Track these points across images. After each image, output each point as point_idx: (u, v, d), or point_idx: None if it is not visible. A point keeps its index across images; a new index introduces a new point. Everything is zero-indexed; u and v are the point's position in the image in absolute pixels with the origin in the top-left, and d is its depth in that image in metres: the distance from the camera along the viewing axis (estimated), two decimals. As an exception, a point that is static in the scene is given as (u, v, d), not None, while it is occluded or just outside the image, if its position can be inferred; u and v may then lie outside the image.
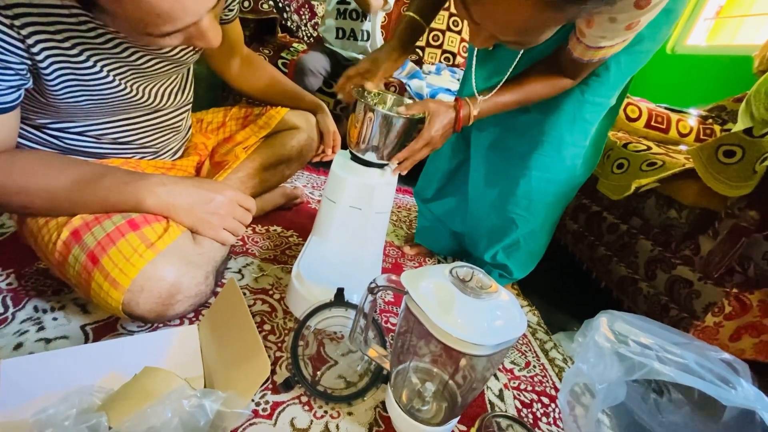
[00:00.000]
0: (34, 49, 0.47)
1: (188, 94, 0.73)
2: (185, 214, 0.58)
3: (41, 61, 0.48)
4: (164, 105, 0.67)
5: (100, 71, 0.54)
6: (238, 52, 0.86)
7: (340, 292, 0.66)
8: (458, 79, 2.01)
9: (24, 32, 0.46)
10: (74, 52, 0.51)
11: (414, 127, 0.73)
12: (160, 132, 0.70)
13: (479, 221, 0.95)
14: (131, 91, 0.59)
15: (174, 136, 0.74)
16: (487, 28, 0.50)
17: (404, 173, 0.76)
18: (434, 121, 0.71)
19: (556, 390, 0.73)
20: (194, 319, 0.64)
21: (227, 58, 0.85)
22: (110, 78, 0.55)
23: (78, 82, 0.53)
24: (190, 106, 0.76)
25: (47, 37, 0.48)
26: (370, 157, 0.74)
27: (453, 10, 2.19)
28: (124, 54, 0.55)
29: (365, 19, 1.54)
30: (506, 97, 0.73)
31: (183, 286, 0.54)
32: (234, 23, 0.80)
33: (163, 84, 0.65)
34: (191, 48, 0.65)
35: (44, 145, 0.60)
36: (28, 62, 0.48)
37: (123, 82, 0.57)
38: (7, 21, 0.44)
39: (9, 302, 0.59)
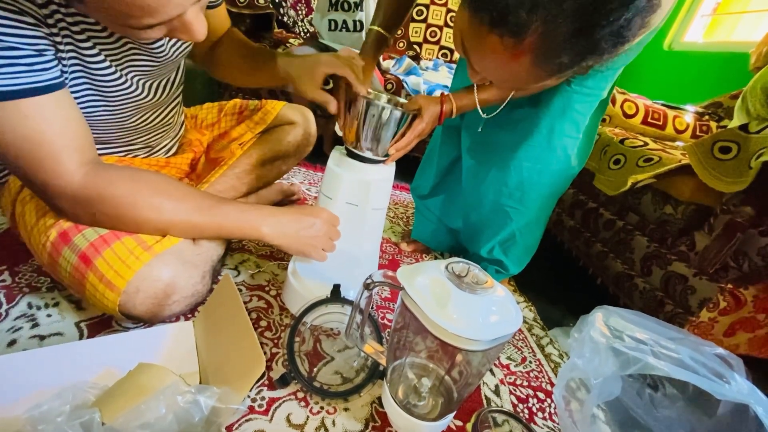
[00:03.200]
0: (62, 47, 0.47)
1: (179, 86, 0.72)
2: (293, 240, 0.63)
3: (66, 59, 0.48)
4: (157, 99, 0.66)
5: (109, 66, 0.54)
6: (220, 35, 0.79)
7: (336, 288, 0.66)
8: (456, 75, 2.00)
9: (54, 30, 0.46)
10: (87, 45, 0.50)
11: (408, 119, 0.73)
12: (153, 129, 0.69)
13: (474, 216, 0.95)
14: (131, 84, 0.58)
15: (167, 132, 0.73)
16: (485, 76, 0.52)
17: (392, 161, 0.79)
18: (425, 114, 0.75)
19: (552, 385, 0.74)
20: (189, 315, 0.64)
21: (208, 43, 0.79)
22: (113, 69, 0.55)
23: (88, 78, 0.52)
24: (180, 99, 0.75)
25: (70, 34, 0.48)
26: (367, 153, 0.74)
27: (450, 5, 2.18)
28: (124, 48, 0.55)
29: (357, 9, 1.52)
30: (486, 94, 0.76)
31: (179, 287, 0.54)
32: (220, 9, 0.75)
33: (156, 79, 0.64)
34: (181, 45, 0.64)
35: None
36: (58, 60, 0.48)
37: (124, 75, 0.57)
38: (46, 20, 0.44)
39: (2, 299, 0.58)
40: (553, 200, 0.90)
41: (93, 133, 0.60)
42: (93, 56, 0.51)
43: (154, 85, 0.63)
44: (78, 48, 0.49)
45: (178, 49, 0.63)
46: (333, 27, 1.56)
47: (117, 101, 0.58)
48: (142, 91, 0.61)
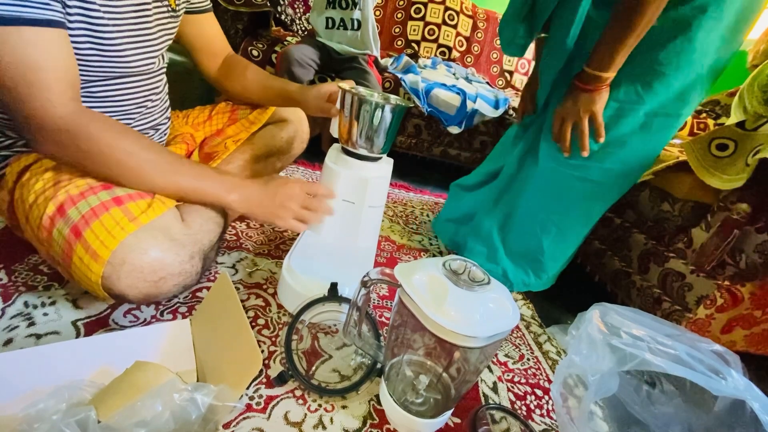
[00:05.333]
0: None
1: (160, 70, 0.72)
2: (257, 207, 0.64)
3: (70, 7, 0.50)
4: (142, 67, 0.66)
5: (107, 23, 0.55)
6: (219, 47, 0.85)
7: (333, 286, 0.66)
8: (454, 74, 2.00)
9: None
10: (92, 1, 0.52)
11: (402, 115, 0.72)
12: (141, 94, 0.68)
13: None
14: (125, 47, 0.59)
15: (155, 102, 0.72)
16: None
17: (566, 154, 0.82)
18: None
19: (550, 382, 0.74)
20: (187, 313, 0.64)
21: (208, 54, 0.84)
22: (111, 27, 0.56)
23: (89, 34, 0.54)
24: (163, 81, 0.75)
25: None
26: (362, 150, 0.74)
27: (448, 3, 2.18)
28: (124, 11, 0.57)
29: (355, 8, 1.51)
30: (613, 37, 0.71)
31: (166, 263, 0.54)
32: (209, 16, 0.81)
33: (143, 48, 0.65)
34: (166, 24, 0.67)
35: None
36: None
37: (121, 36, 0.58)
38: None
39: (-2, 298, 0.58)
40: (551, 202, 0.90)
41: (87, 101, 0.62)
42: (94, 10, 0.53)
43: (142, 54, 0.64)
44: (86, 6, 0.52)
45: (163, 29, 0.66)
46: (330, 25, 1.55)
47: (109, 52, 0.58)
48: (131, 56, 0.62)
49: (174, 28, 0.71)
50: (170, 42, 0.71)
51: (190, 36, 0.80)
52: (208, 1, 0.80)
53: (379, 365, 0.60)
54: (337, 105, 0.76)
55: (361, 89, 0.73)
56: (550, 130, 0.85)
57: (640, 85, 0.75)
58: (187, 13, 0.76)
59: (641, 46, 0.71)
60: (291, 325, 0.61)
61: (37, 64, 0.47)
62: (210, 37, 0.83)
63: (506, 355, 0.78)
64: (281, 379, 0.56)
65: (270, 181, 0.67)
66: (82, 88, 0.60)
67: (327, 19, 1.55)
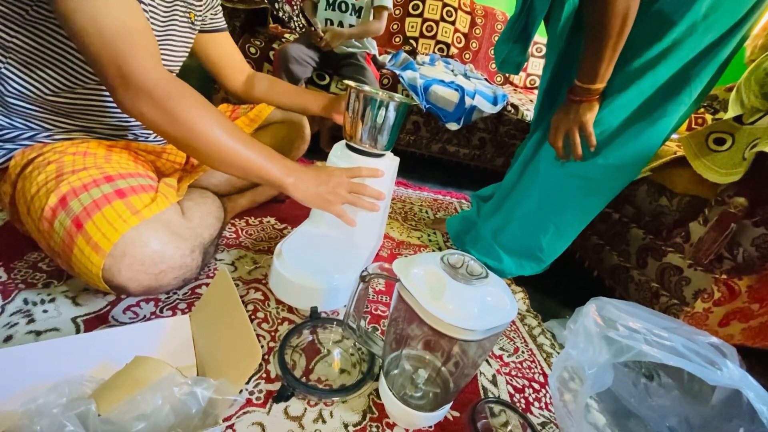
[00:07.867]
0: None
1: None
2: (311, 193, 0.65)
3: None
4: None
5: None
6: (239, 65, 0.88)
7: (314, 310, 0.66)
8: (452, 70, 2.00)
9: None
10: None
11: (406, 113, 0.73)
12: None
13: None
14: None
15: None
16: None
17: (564, 159, 0.84)
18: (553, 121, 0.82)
19: (545, 375, 0.74)
20: (186, 310, 0.64)
21: (230, 71, 0.87)
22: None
23: None
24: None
25: None
26: (366, 146, 0.74)
27: (446, 0, 2.18)
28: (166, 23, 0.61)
29: (353, 14, 1.52)
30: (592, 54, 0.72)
31: (167, 255, 0.54)
32: (225, 36, 0.84)
33: (172, 51, 0.69)
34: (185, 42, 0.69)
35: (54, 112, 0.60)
36: None
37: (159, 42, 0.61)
38: None
39: (-2, 295, 0.58)
40: (533, 193, 0.91)
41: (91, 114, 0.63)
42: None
43: (169, 62, 0.69)
44: None
45: (184, 40, 0.71)
46: (328, 26, 1.56)
47: None
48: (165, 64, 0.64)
49: (192, 39, 0.73)
50: (187, 53, 0.74)
51: (212, 56, 0.83)
52: (223, 21, 0.83)
53: (378, 360, 0.60)
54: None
55: (367, 87, 0.73)
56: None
57: (630, 87, 0.75)
58: (204, 32, 0.79)
59: (629, 55, 0.72)
60: (281, 350, 0.59)
61: (134, 25, 0.50)
62: (229, 56, 0.86)
63: (501, 348, 0.78)
64: (283, 397, 0.54)
65: (319, 169, 0.69)
66: (105, 91, 0.61)
67: (326, 20, 1.56)
